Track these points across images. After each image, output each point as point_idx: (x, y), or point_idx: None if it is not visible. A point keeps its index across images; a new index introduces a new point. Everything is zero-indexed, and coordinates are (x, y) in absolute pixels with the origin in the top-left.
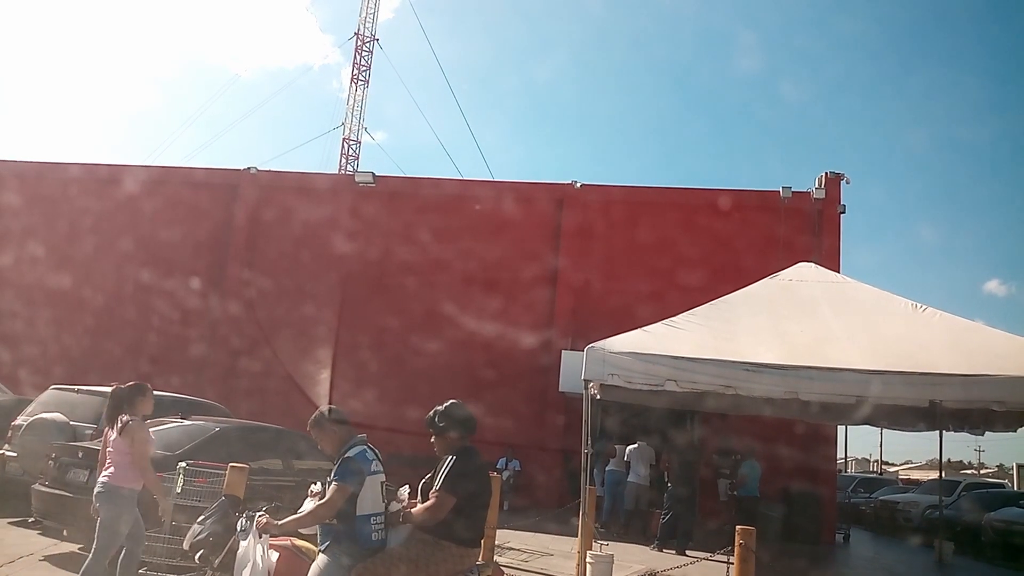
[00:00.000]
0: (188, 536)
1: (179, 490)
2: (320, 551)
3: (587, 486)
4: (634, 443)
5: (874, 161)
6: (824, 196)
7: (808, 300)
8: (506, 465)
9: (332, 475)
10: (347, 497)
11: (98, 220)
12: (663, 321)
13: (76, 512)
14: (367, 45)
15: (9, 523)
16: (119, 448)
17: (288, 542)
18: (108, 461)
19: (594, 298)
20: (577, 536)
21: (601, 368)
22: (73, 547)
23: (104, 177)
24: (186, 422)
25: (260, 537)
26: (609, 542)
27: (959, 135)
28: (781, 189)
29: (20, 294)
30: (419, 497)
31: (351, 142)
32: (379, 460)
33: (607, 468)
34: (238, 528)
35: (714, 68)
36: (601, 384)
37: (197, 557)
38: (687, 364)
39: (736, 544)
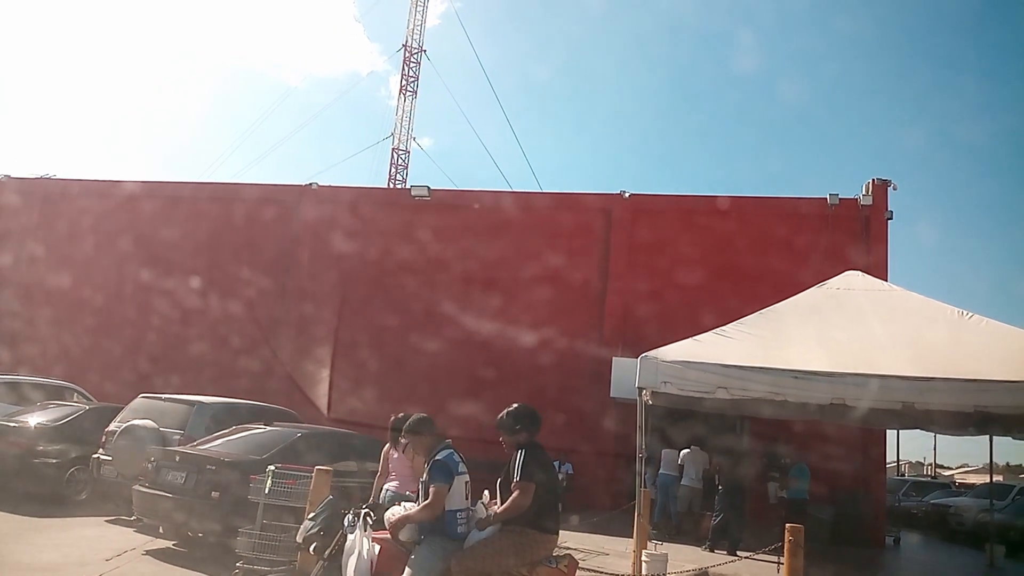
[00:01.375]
0: (301, 530)
1: (268, 491)
2: (416, 543)
3: (641, 488)
4: (687, 447)
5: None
6: (871, 203)
7: (855, 308)
8: (559, 468)
9: (428, 478)
10: (445, 494)
11: (166, 238)
12: (713, 330)
13: (172, 511)
14: (415, 56)
15: (106, 521)
16: (402, 463)
17: (388, 535)
18: (392, 474)
19: (643, 306)
20: (630, 537)
21: (654, 376)
22: (168, 543)
23: (169, 194)
24: (271, 428)
25: (365, 531)
26: (662, 542)
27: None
28: (828, 196)
29: (101, 306)
30: (498, 496)
31: (400, 152)
32: (463, 462)
33: (660, 472)
34: (345, 523)
35: (793, 77)
36: (654, 391)
37: (311, 549)
38: (737, 372)
39: (786, 541)
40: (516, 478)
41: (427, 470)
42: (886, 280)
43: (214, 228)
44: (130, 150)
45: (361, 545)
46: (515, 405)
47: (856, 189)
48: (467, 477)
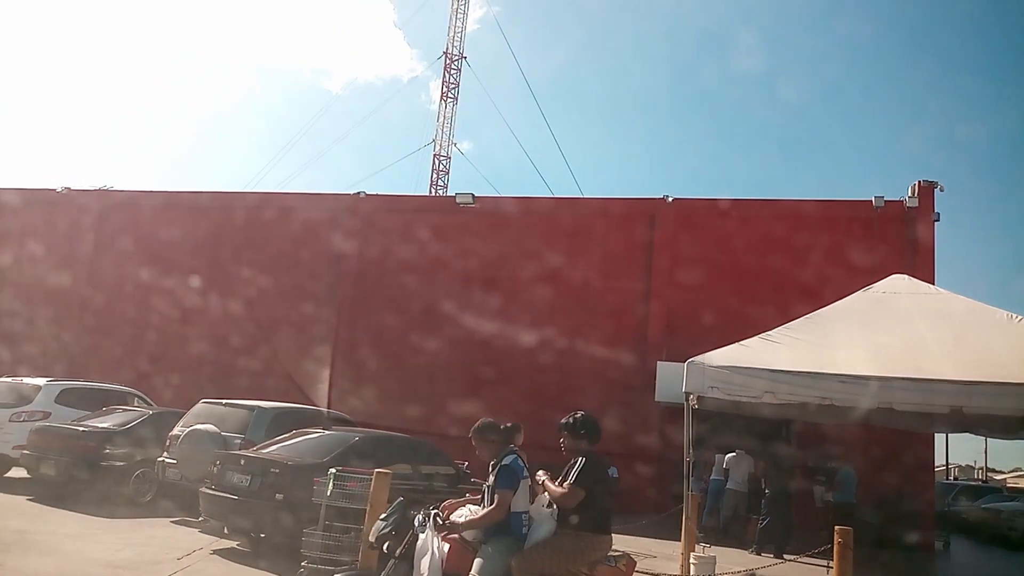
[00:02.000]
0: (373, 530)
1: (330, 493)
2: (482, 543)
3: (688, 492)
4: (732, 452)
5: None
6: (918, 205)
7: (902, 312)
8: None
9: (495, 482)
10: (510, 499)
11: (222, 248)
12: (760, 335)
13: (238, 512)
14: (455, 63)
15: (171, 522)
16: None
17: (457, 535)
18: None
19: (687, 310)
20: (675, 540)
21: (701, 381)
22: (233, 543)
23: (224, 204)
24: (329, 432)
25: (435, 531)
26: (710, 544)
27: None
28: (874, 199)
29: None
30: None
31: (441, 158)
32: (527, 467)
33: (711, 477)
34: (415, 524)
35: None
36: (700, 396)
37: (384, 548)
38: (784, 377)
39: (835, 543)
40: (570, 480)
41: (493, 474)
42: (933, 283)
43: (262, 236)
44: (173, 159)
45: (432, 544)
46: (581, 413)
47: (899, 191)
48: (529, 481)
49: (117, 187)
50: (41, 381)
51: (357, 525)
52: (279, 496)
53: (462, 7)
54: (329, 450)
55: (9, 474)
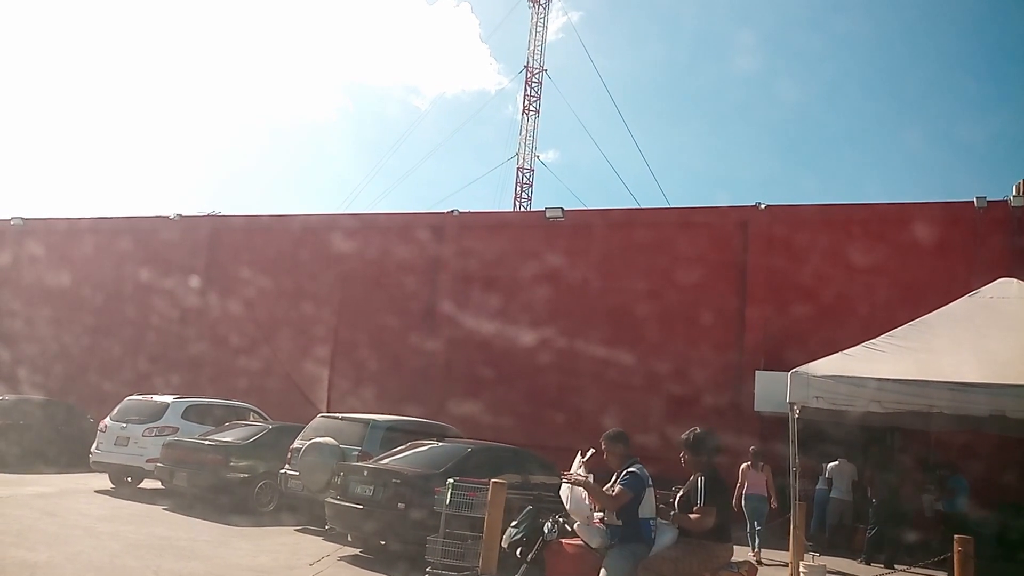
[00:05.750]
0: (505, 536)
1: (449, 502)
2: (608, 548)
3: (796, 501)
4: (835, 460)
5: None
6: (1023, 204)
7: (1011, 317)
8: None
9: (621, 480)
10: (628, 500)
11: (318, 270)
12: (863, 344)
13: (363, 521)
14: (536, 76)
15: (295, 530)
16: (756, 476)
17: (580, 541)
18: (747, 483)
19: (784, 319)
20: (782, 549)
21: (805, 391)
22: (356, 550)
23: (326, 225)
24: (442, 444)
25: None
26: (819, 553)
27: None
28: (975, 199)
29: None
30: (676, 508)
31: (524, 171)
32: (649, 477)
33: (816, 487)
34: (545, 530)
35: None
36: (803, 405)
37: (517, 552)
38: (891, 386)
39: (955, 551)
40: (700, 502)
41: (620, 479)
42: None
43: (358, 257)
44: (268, 181)
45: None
46: (699, 429)
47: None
48: (653, 489)
49: (224, 212)
50: (168, 398)
51: (473, 533)
52: (401, 505)
53: (541, 20)
54: (445, 461)
55: (143, 485)
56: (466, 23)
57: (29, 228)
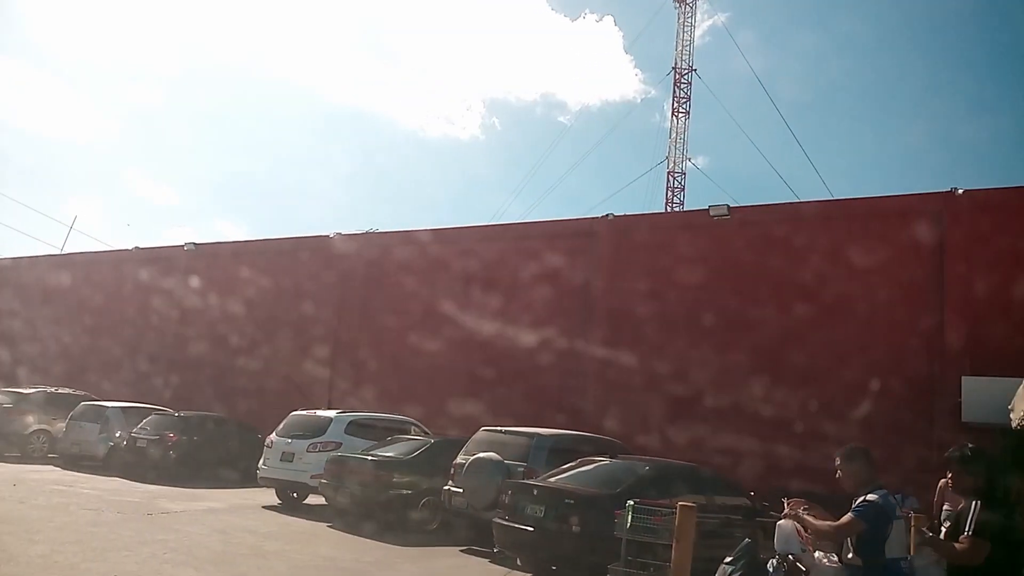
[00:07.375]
0: (719, 573)
1: (629, 526)
2: None
3: None
4: None
5: None
6: None
7: None
8: (902, 503)
9: (854, 508)
10: (859, 531)
11: (465, 280)
12: None
13: (534, 544)
14: (685, 77)
15: (460, 551)
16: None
17: None
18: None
19: (990, 319)
20: None
21: None
22: (526, 574)
23: (474, 237)
24: (615, 461)
25: None
26: None
27: None
28: None
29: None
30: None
31: (676, 174)
32: (901, 507)
33: None
34: (769, 569)
35: None
36: None
37: None
38: None
39: None
40: (969, 530)
41: (855, 502)
42: None
43: (518, 266)
44: (423, 199)
45: None
46: (970, 445)
47: None
48: (903, 523)
49: (381, 230)
50: (332, 413)
51: (657, 561)
52: (575, 528)
53: (688, 20)
54: (620, 480)
55: (308, 500)
56: (610, 36)
57: (200, 252)
